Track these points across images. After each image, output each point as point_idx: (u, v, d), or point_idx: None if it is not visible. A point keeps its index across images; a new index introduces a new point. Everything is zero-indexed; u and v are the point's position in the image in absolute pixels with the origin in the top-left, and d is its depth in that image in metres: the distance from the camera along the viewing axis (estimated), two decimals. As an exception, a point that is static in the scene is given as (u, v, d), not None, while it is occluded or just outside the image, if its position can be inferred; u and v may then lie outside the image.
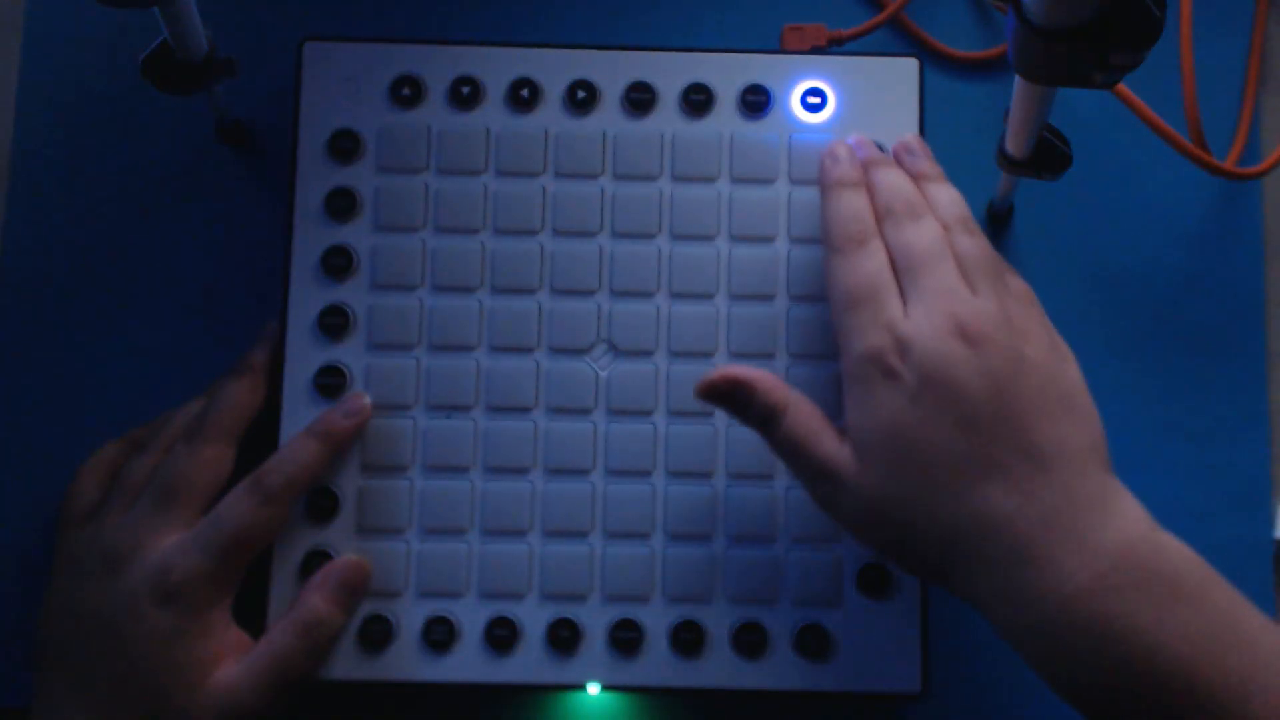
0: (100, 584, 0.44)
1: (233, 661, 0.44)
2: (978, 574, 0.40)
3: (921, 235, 0.43)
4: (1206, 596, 0.38)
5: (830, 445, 0.42)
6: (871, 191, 0.45)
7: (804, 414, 0.43)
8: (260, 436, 0.48)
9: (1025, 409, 0.40)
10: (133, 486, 0.46)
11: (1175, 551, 0.39)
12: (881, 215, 0.44)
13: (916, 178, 0.46)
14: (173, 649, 0.43)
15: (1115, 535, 0.39)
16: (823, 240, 0.45)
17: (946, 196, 0.45)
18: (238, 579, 0.45)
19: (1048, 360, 0.42)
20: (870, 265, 0.43)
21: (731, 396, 0.43)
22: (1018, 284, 0.45)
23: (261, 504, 0.45)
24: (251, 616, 0.47)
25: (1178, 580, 0.38)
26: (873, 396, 0.41)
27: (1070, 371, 0.42)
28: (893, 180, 0.45)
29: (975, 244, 0.44)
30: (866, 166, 0.46)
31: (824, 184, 0.46)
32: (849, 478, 0.41)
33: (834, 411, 0.48)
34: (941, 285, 0.42)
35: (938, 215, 0.44)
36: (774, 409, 0.43)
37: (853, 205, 0.45)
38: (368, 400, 0.48)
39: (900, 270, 0.43)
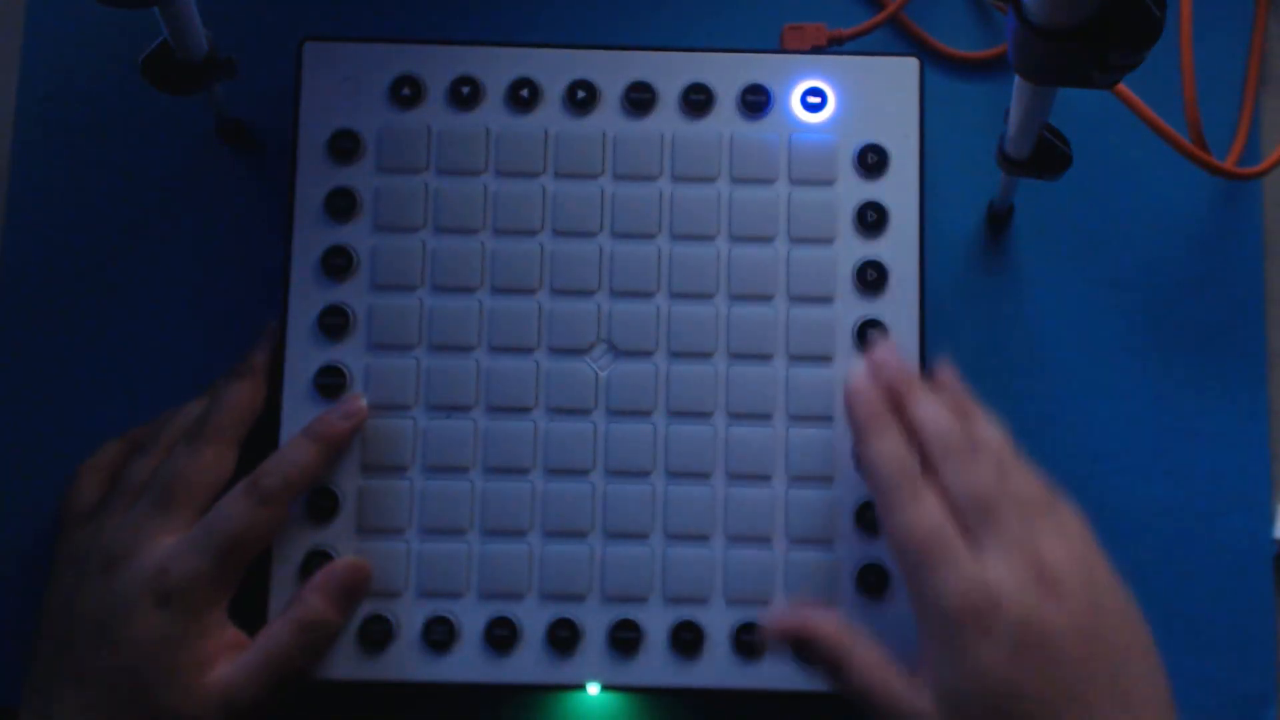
0: (98, 584, 0.44)
1: (229, 660, 0.44)
2: None
3: (982, 478, 0.42)
4: None
5: (908, 701, 0.40)
6: (916, 428, 0.44)
7: (871, 663, 0.41)
8: (261, 436, 0.48)
9: (1112, 655, 0.40)
10: (133, 487, 0.46)
11: None
12: (936, 457, 0.43)
13: (956, 413, 0.45)
14: (169, 650, 0.43)
15: None
16: (870, 485, 0.43)
17: (991, 433, 0.44)
18: (236, 580, 0.45)
19: (1122, 603, 0.42)
20: (930, 514, 0.41)
21: (791, 646, 0.43)
22: (1069, 515, 0.43)
23: (258, 505, 0.45)
24: (252, 617, 0.47)
25: None
26: (964, 654, 0.39)
27: (1139, 614, 0.42)
28: (938, 417, 0.43)
29: (1030, 483, 0.43)
30: (902, 397, 0.44)
31: (855, 425, 0.44)
32: None
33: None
34: (1013, 533, 0.41)
35: (989, 453, 0.43)
36: (837, 658, 0.42)
37: (894, 452, 0.43)
38: (364, 401, 0.48)
39: (965, 514, 0.41)
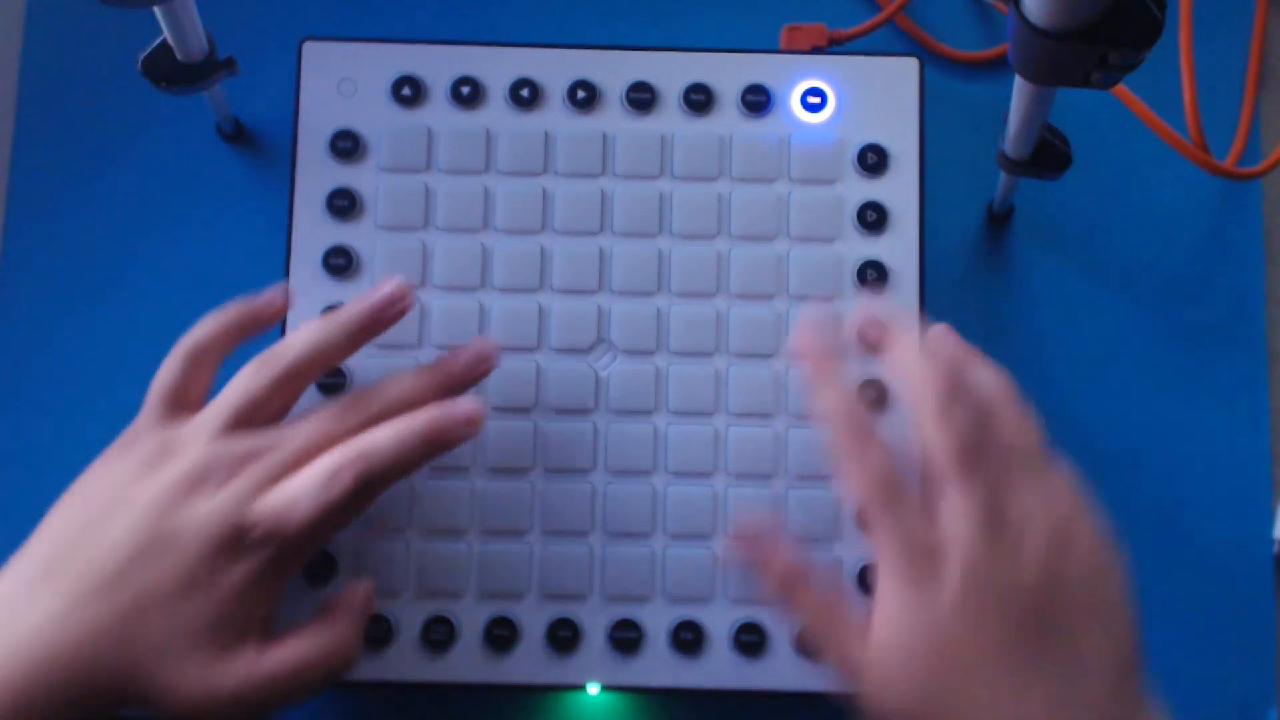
0: (174, 495, 0.40)
1: (257, 647, 0.41)
2: None
3: (954, 429, 0.40)
4: None
5: (853, 648, 0.40)
6: (898, 372, 0.43)
7: (821, 604, 0.41)
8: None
9: (1069, 614, 0.39)
10: (252, 453, 0.42)
11: None
12: (913, 407, 0.42)
13: (958, 363, 0.43)
14: (236, 599, 0.40)
15: None
16: (827, 435, 0.42)
17: (991, 378, 0.43)
18: (303, 563, 0.42)
19: (1093, 561, 0.40)
20: (877, 462, 0.41)
21: (748, 566, 0.43)
22: (1052, 471, 0.42)
23: (357, 476, 0.40)
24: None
25: None
26: (908, 605, 0.39)
27: (1115, 575, 0.40)
28: (916, 366, 0.42)
29: (1021, 430, 0.42)
30: (883, 341, 0.44)
31: (809, 375, 0.43)
32: (874, 687, 0.39)
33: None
34: (979, 484, 0.40)
35: (983, 395, 0.42)
36: (789, 591, 0.42)
37: (839, 403, 0.42)
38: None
39: (936, 463, 0.40)
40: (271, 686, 0.40)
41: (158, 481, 0.41)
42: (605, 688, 0.47)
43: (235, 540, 0.40)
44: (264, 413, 0.43)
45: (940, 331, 0.45)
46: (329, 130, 0.50)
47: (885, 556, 0.40)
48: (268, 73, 0.53)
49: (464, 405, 0.43)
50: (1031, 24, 0.37)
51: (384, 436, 0.41)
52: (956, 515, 0.40)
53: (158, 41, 0.46)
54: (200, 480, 0.41)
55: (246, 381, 0.43)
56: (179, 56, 0.46)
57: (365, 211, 0.50)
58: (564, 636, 0.47)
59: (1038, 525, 0.40)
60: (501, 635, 0.47)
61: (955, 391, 0.41)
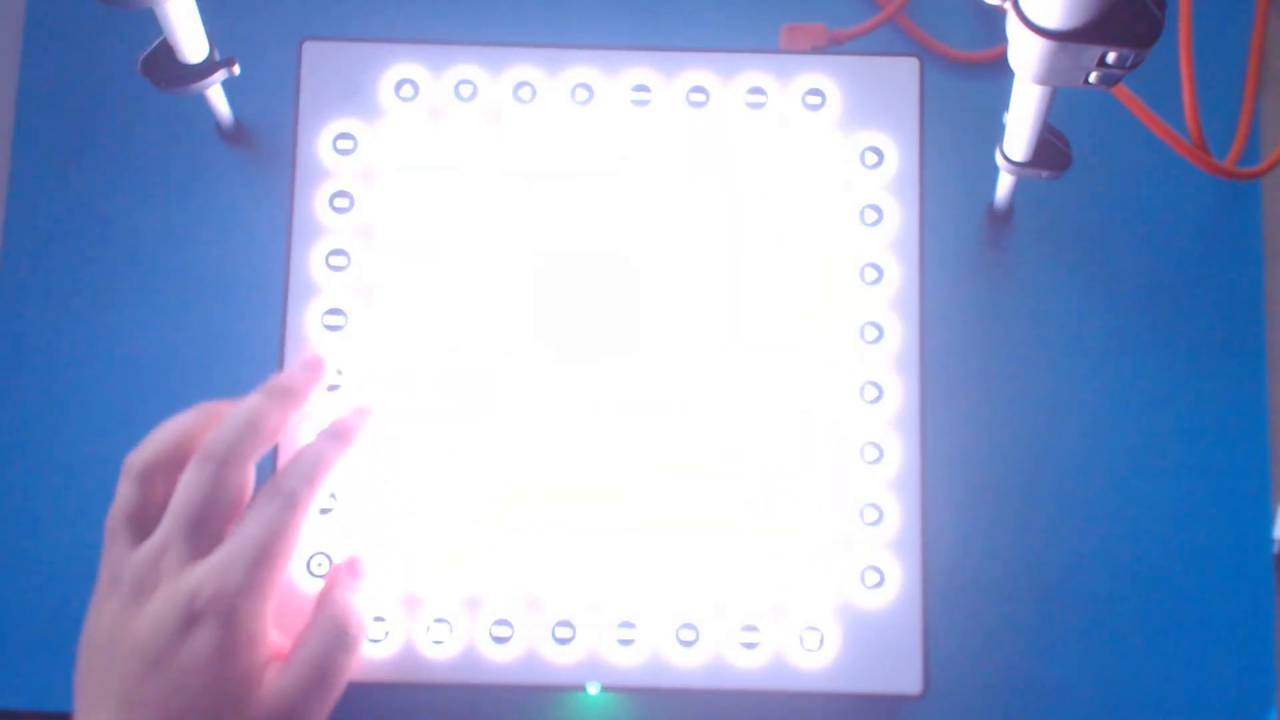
0: (134, 610, 0.43)
1: (276, 671, 0.43)
2: None
3: None
4: None
5: None
6: None
7: None
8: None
9: None
10: (159, 511, 0.45)
11: None
12: None
13: None
14: (217, 667, 0.42)
15: None
16: None
17: None
18: (273, 587, 0.44)
19: None
20: None
21: None
22: None
23: (285, 509, 0.44)
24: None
25: None
26: None
27: None
28: None
29: None
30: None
31: None
32: None
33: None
34: None
35: None
36: None
37: None
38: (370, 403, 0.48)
39: None
40: (306, 690, 0.43)
41: (125, 606, 0.43)
42: (605, 688, 0.47)
43: (203, 610, 0.42)
44: (221, 508, 0.44)
45: None
46: (329, 130, 0.50)
47: None
48: (268, 73, 0.53)
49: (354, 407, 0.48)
50: (1031, 24, 0.37)
51: (303, 453, 0.46)
52: None
53: (158, 41, 0.46)
54: (141, 583, 0.43)
55: (190, 489, 0.44)
56: (179, 56, 0.46)
57: (365, 211, 0.50)
58: (564, 636, 0.47)
59: None
60: (501, 635, 0.47)
61: None
